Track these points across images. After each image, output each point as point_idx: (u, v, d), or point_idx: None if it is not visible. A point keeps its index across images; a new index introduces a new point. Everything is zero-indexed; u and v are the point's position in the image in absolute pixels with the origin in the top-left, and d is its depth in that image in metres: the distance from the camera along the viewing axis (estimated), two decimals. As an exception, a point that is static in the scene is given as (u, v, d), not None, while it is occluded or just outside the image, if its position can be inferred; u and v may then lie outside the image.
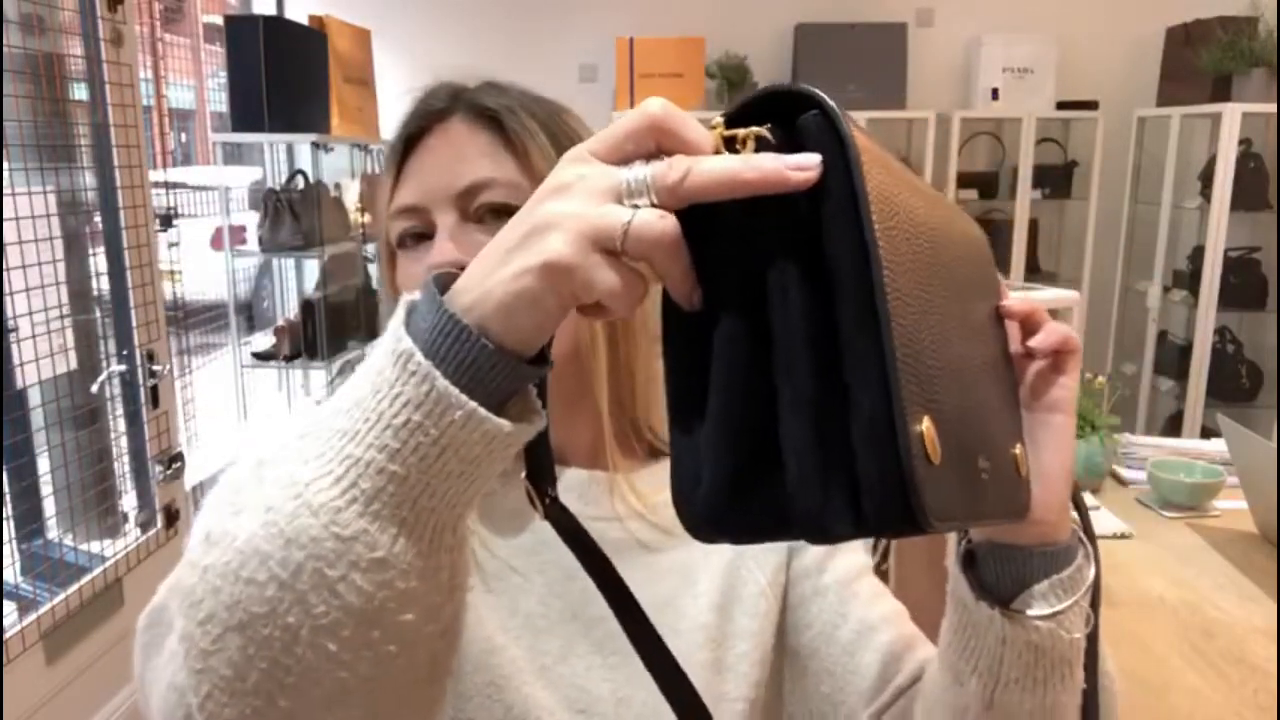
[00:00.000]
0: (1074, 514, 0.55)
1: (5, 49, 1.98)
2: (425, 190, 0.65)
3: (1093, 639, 0.55)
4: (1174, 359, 3.93)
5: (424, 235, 0.65)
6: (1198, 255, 3.75)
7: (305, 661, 0.38)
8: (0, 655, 1.87)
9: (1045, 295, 3.07)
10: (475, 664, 0.60)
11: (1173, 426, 3.91)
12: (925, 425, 0.35)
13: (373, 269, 3.73)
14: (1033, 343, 0.53)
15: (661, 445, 0.73)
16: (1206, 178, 3.69)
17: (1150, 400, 4.10)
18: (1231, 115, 3.52)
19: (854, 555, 0.74)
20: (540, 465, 0.48)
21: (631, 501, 0.68)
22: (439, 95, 0.68)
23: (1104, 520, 1.47)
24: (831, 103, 0.38)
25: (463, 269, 0.41)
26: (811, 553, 0.72)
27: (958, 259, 0.44)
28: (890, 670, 0.68)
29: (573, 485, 0.68)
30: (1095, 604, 0.54)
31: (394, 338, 0.40)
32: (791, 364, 0.35)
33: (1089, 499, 1.55)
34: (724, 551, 0.70)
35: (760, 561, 0.72)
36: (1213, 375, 3.74)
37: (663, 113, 0.38)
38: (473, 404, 0.39)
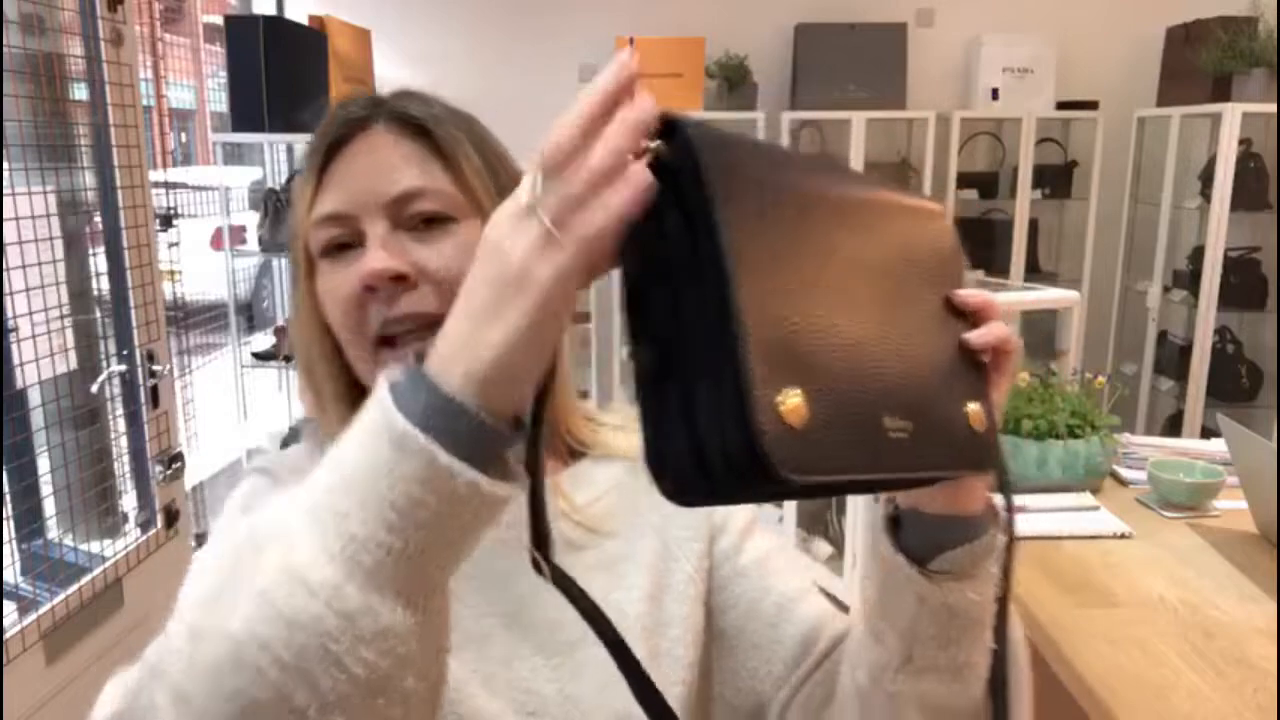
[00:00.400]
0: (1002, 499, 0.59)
1: (5, 49, 1.98)
2: (352, 198, 0.64)
3: (1003, 603, 0.57)
4: (1174, 359, 3.93)
5: (349, 244, 0.65)
6: (1198, 255, 3.75)
7: None
8: (0, 655, 1.87)
9: (1045, 295, 3.07)
10: None
11: (1173, 426, 3.91)
12: (787, 395, 0.39)
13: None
14: (969, 336, 0.55)
15: (578, 446, 0.75)
16: (1206, 178, 3.69)
17: (1150, 400, 4.10)
18: (1231, 115, 3.52)
19: (767, 536, 0.77)
20: (541, 530, 0.48)
21: (560, 503, 0.69)
22: (359, 104, 0.68)
23: (1104, 520, 1.47)
24: (683, 119, 0.43)
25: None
26: (728, 537, 0.75)
27: (879, 248, 0.50)
28: (812, 638, 0.71)
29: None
30: (1007, 571, 0.57)
31: (385, 420, 0.40)
32: (678, 348, 0.41)
33: (1089, 499, 1.55)
34: (649, 542, 0.72)
35: (685, 550, 0.73)
36: (1213, 375, 3.74)
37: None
38: (476, 475, 0.40)
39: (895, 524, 0.59)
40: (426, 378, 0.41)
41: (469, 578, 0.64)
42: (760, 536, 0.77)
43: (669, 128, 0.43)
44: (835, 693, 0.66)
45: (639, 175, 0.41)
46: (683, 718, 0.69)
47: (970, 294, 0.56)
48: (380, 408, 0.41)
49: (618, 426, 0.77)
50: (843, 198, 0.50)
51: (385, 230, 0.64)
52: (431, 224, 0.65)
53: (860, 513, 2.70)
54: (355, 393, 0.68)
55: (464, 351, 0.40)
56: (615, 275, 0.44)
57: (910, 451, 0.47)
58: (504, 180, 0.69)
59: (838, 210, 0.49)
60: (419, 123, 0.67)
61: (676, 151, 0.42)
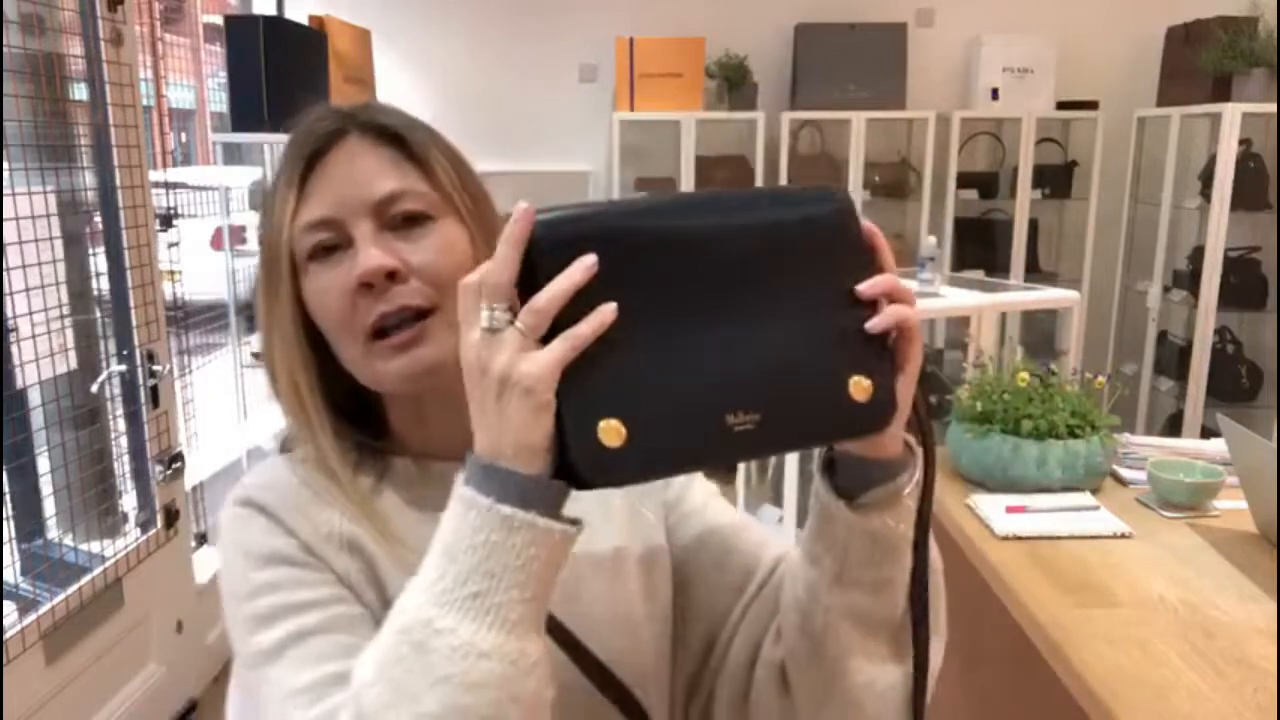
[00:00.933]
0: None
1: (5, 49, 1.98)
2: (338, 203, 0.69)
3: (923, 528, 0.68)
4: (1174, 359, 3.93)
5: (336, 247, 0.70)
6: (1198, 255, 3.76)
7: None
8: (0, 655, 1.87)
9: (1045, 295, 3.08)
10: None
11: (1173, 426, 3.91)
12: (607, 424, 0.54)
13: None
14: (868, 325, 0.61)
15: None
16: (1206, 178, 3.69)
17: (1150, 400, 4.10)
18: (1231, 115, 3.52)
19: (700, 486, 0.86)
20: None
21: None
22: (331, 117, 0.72)
23: (1104, 520, 1.47)
24: (538, 227, 0.55)
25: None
26: (673, 490, 0.85)
27: (732, 265, 0.60)
28: (753, 565, 0.79)
29: None
30: (926, 500, 0.67)
31: (481, 513, 0.54)
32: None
33: (1089, 499, 1.55)
34: (621, 500, 0.81)
35: (647, 503, 0.83)
36: (1213, 375, 3.74)
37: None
38: (568, 526, 0.55)
39: (830, 466, 0.68)
40: (504, 469, 0.53)
41: None
42: (694, 489, 0.86)
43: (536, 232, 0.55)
44: (778, 608, 0.74)
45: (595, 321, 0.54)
46: (665, 665, 0.79)
47: (869, 284, 0.61)
48: (472, 505, 0.54)
49: None
50: (690, 231, 0.59)
51: (372, 230, 0.69)
52: (412, 223, 0.70)
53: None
54: (341, 390, 0.74)
55: (505, 447, 0.54)
56: None
57: (757, 436, 0.59)
58: (467, 181, 0.74)
59: (683, 245, 0.58)
60: (392, 130, 0.72)
61: (533, 254, 0.55)
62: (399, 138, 0.72)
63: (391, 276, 0.68)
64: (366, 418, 0.77)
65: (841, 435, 0.65)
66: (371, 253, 0.67)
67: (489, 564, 0.53)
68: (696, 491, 0.85)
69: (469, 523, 0.54)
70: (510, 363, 0.52)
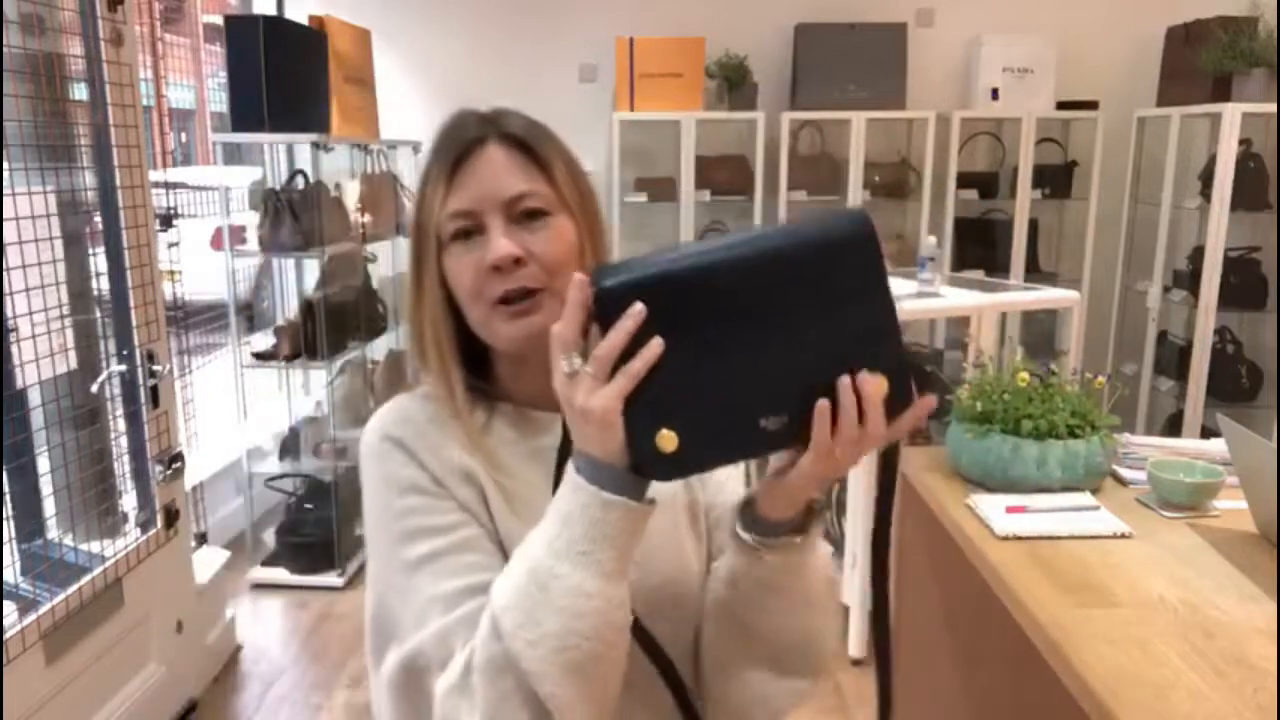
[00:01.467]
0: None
1: (5, 49, 1.98)
2: (477, 198, 0.85)
3: (888, 486, 0.83)
4: (1174, 359, 3.93)
5: (473, 232, 0.86)
6: (1198, 255, 3.76)
7: (608, 659, 0.76)
8: (0, 655, 1.87)
9: (1045, 295, 3.08)
10: None
11: (1173, 426, 3.91)
12: (663, 434, 0.70)
13: (373, 269, 3.73)
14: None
15: None
16: (1206, 178, 3.69)
17: (1150, 400, 4.10)
18: (1231, 115, 3.52)
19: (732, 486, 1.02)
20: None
21: None
22: (473, 125, 0.88)
23: (1104, 520, 1.47)
24: (602, 286, 0.71)
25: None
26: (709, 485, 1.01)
27: (765, 291, 0.70)
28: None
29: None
30: (886, 499, 0.83)
31: (590, 494, 0.73)
32: None
33: (1089, 499, 1.55)
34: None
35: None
36: (1213, 375, 3.74)
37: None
38: (648, 506, 0.75)
39: (748, 506, 0.83)
40: (601, 466, 0.72)
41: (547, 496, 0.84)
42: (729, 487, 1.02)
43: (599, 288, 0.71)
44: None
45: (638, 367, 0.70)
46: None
47: (845, 387, 0.72)
48: (581, 488, 0.73)
49: None
50: (724, 263, 0.70)
51: (503, 224, 0.85)
52: (533, 216, 0.86)
53: (859, 515, 2.71)
54: (464, 346, 0.91)
55: (596, 451, 0.72)
56: None
57: (786, 433, 0.72)
58: (578, 181, 0.90)
59: (718, 277, 0.70)
60: (522, 139, 0.87)
61: (596, 311, 0.71)
62: (527, 146, 0.87)
63: (516, 262, 0.84)
64: (479, 369, 0.93)
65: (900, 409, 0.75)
66: (501, 242, 0.84)
67: (594, 532, 0.73)
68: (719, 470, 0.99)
69: (579, 500, 0.73)
70: (585, 399, 0.70)
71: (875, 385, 0.71)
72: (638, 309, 0.69)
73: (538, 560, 0.74)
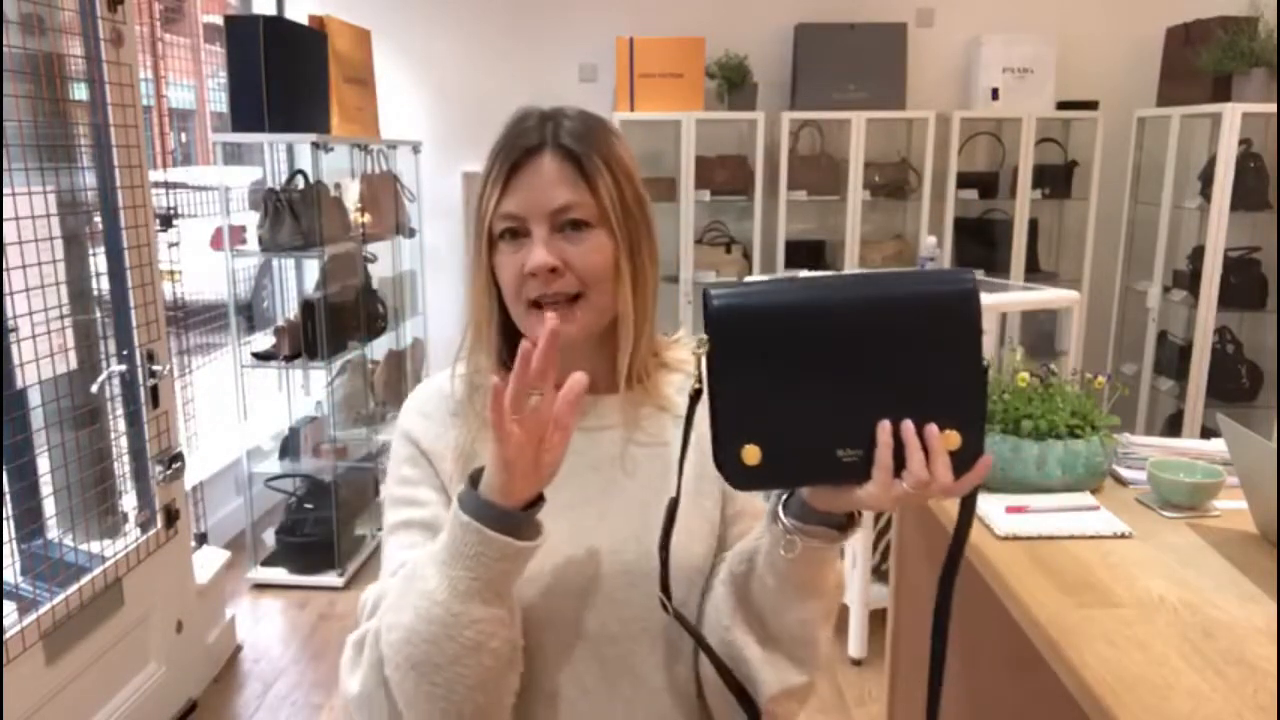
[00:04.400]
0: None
1: (5, 49, 1.98)
2: (525, 205, 0.92)
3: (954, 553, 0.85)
4: (1174, 359, 3.93)
5: (518, 233, 0.93)
6: (1198, 255, 3.76)
7: (452, 675, 0.81)
8: (0, 655, 1.87)
9: (1045, 295, 3.07)
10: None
11: (1173, 426, 3.91)
12: (748, 448, 0.76)
13: (373, 269, 3.73)
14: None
15: (644, 391, 1.02)
16: (1206, 178, 3.69)
17: (1150, 400, 4.10)
18: (1231, 115, 3.52)
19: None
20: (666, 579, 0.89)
21: (642, 414, 1.01)
22: (533, 130, 0.94)
23: (1104, 520, 1.47)
24: (713, 320, 0.76)
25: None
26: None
27: (860, 342, 0.74)
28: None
29: (612, 407, 1.00)
30: (960, 535, 0.83)
31: (463, 524, 0.80)
32: None
33: (1089, 499, 1.55)
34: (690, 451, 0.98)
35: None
36: (1213, 375, 3.74)
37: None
38: (510, 540, 0.80)
39: (794, 494, 0.86)
40: (481, 499, 0.80)
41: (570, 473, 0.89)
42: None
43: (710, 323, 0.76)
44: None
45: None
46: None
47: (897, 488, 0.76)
48: (460, 520, 0.80)
49: (680, 363, 1.05)
50: (825, 304, 0.75)
51: (545, 232, 0.91)
52: (576, 227, 0.92)
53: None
54: (506, 331, 0.98)
55: (491, 489, 0.80)
56: None
57: (859, 468, 0.76)
58: (624, 195, 0.95)
59: (818, 315, 0.75)
60: (574, 152, 0.93)
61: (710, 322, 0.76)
62: (577, 158, 0.93)
63: (552, 270, 0.91)
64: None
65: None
66: (540, 252, 0.90)
67: (454, 548, 0.80)
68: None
69: (453, 515, 0.81)
70: (511, 451, 0.78)
71: (942, 439, 0.75)
72: (579, 380, 0.79)
73: (419, 558, 0.83)
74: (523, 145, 0.93)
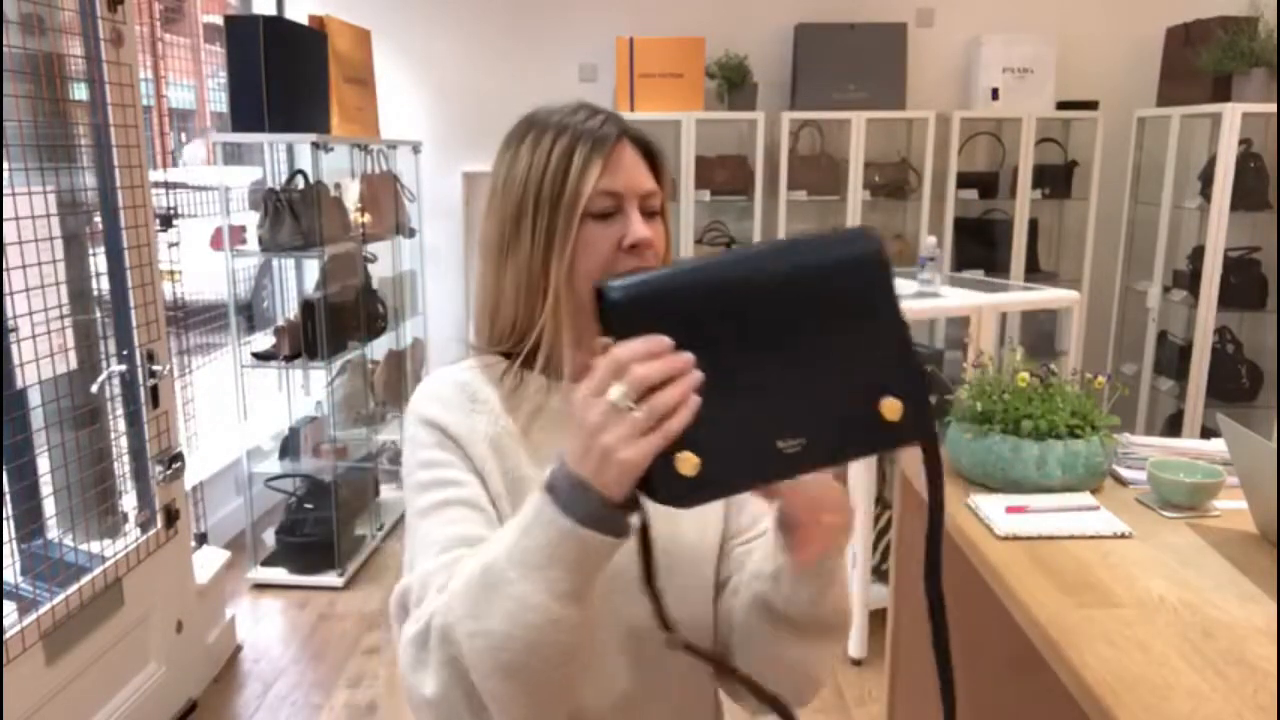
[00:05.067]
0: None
1: (5, 49, 1.98)
2: (624, 184, 0.95)
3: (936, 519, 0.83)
4: (1174, 359, 3.93)
5: (613, 213, 0.95)
6: (1198, 255, 3.76)
7: (548, 676, 0.78)
8: (0, 655, 1.87)
9: (1045, 295, 3.08)
10: None
11: (1173, 426, 3.91)
12: (682, 456, 0.68)
13: (373, 269, 3.73)
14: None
15: None
16: (1206, 178, 3.69)
17: (1150, 400, 4.10)
18: (1231, 115, 3.52)
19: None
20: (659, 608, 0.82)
21: None
22: (610, 122, 0.97)
23: (1104, 520, 1.47)
24: (609, 302, 0.70)
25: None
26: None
27: (778, 319, 0.70)
28: (758, 519, 1.05)
29: None
30: (934, 530, 0.83)
31: (554, 516, 0.74)
32: None
33: (1089, 499, 1.55)
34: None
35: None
36: (1213, 375, 3.74)
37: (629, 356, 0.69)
38: (609, 538, 0.74)
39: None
40: (589, 496, 0.72)
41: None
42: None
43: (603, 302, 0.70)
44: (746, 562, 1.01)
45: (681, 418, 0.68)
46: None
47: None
48: (546, 506, 0.74)
49: None
50: (735, 287, 0.70)
51: (638, 212, 0.95)
52: (652, 213, 0.97)
53: (860, 510, 2.70)
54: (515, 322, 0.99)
55: (593, 479, 0.71)
56: None
57: (804, 455, 0.71)
58: (670, 192, 1.02)
59: (731, 301, 0.70)
60: (649, 146, 0.99)
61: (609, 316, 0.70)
62: (652, 153, 0.99)
63: (648, 245, 0.94)
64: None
65: (876, 449, 0.78)
66: (643, 226, 0.94)
67: (550, 550, 0.74)
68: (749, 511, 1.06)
69: (544, 517, 0.74)
70: (619, 443, 0.69)
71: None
72: (663, 341, 0.68)
73: (496, 559, 0.77)
74: (608, 131, 0.96)
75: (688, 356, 0.68)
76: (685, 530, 1.01)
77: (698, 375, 0.68)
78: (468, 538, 0.86)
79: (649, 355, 0.68)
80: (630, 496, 0.72)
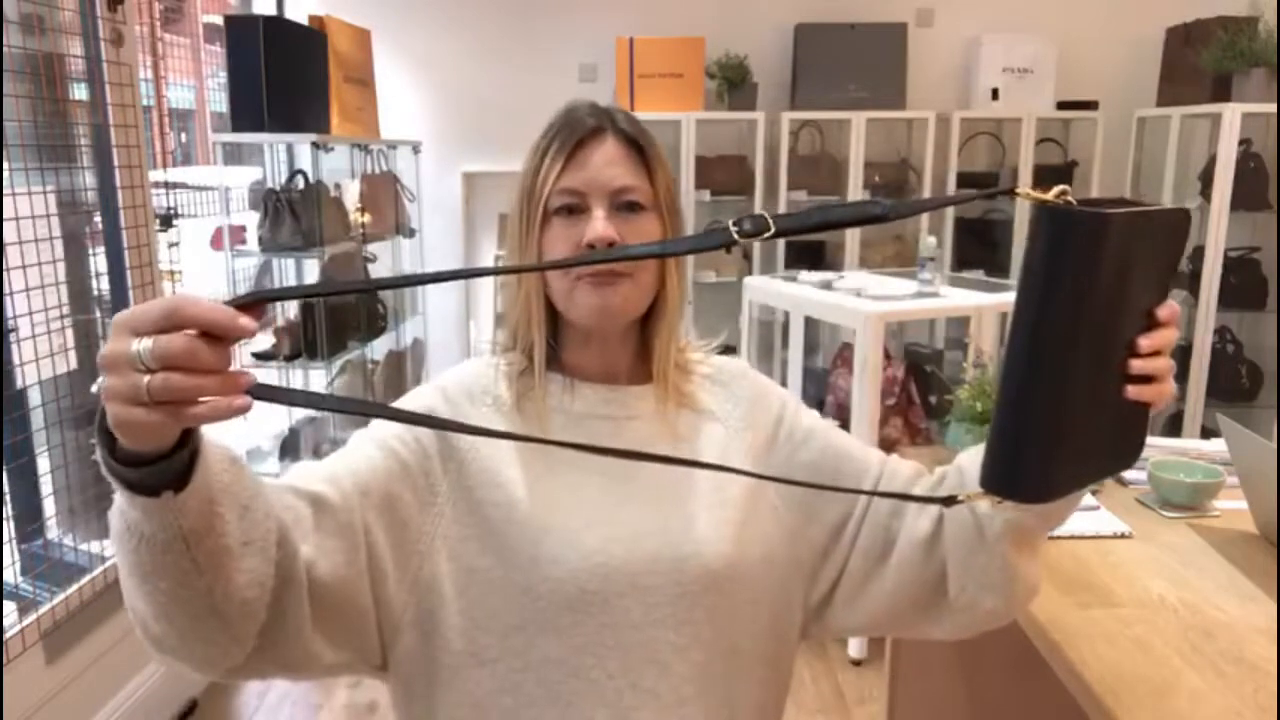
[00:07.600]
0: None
1: (5, 49, 1.98)
2: (587, 181, 0.93)
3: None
4: (1174, 359, 3.92)
5: (575, 210, 0.94)
6: (1198, 255, 3.75)
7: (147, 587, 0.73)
8: (0, 655, 1.87)
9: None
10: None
11: (1173, 426, 3.90)
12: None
13: (373, 269, 3.73)
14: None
15: (678, 396, 1.02)
16: (1206, 178, 3.69)
17: (1150, 400, 4.09)
18: (1231, 115, 3.52)
19: (805, 414, 1.06)
20: None
21: (669, 404, 1.01)
22: (595, 115, 0.96)
23: (1104, 520, 1.47)
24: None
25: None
26: (784, 425, 1.04)
27: (1107, 315, 0.76)
28: (863, 467, 1.03)
29: (639, 397, 1.00)
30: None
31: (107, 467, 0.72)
32: None
33: (1090, 499, 1.55)
34: (710, 437, 1.02)
35: (744, 438, 1.03)
36: (1213, 375, 3.74)
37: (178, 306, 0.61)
38: (132, 496, 0.71)
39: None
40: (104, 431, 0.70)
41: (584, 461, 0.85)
42: (804, 414, 1.06)
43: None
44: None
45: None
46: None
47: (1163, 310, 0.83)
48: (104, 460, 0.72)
49: (704, 375, 1.05)
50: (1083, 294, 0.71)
51: (605, 209, 0.93)
52: (631, 208, 0.94)
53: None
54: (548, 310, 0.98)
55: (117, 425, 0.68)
56: None
57: (1107, 459, 0.81)
58: (671, 187, 0.99)
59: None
60: (636, 140, 0.96)
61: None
62: (640, 146, 0.96)
63: (609, 245, 0.92)
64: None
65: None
66: (601, 224, 0.92)
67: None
68: (803, 418, 1.05)
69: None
70: (110, 394, 0.71)
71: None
72: (241, 324, 0.61)
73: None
74: (586, 126, 0.95)
75: (248, 375, 0.63)
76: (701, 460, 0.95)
77: (244, 397, 0.62)
78: (299, 491, 0.86)
79: (195, 325, 0.60)
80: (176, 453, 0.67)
